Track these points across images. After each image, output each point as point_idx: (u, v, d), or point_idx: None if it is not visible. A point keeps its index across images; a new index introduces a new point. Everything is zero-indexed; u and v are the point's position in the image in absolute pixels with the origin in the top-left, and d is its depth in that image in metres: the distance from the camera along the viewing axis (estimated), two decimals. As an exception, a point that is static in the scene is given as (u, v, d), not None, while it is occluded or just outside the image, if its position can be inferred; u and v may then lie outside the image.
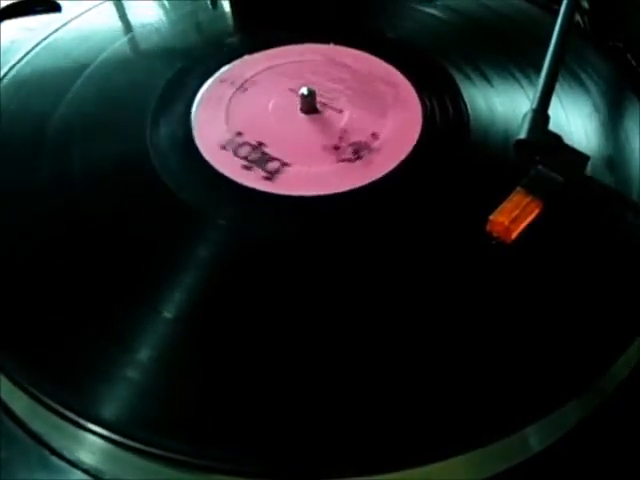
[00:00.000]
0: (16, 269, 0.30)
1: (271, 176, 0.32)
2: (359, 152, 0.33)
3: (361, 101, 0.36)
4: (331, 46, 0.39)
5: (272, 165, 0.33)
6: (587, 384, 0.26)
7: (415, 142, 0.34)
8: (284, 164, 0.33)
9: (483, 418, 0.25)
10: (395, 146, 0.34)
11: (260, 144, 0.34)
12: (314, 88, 0.36)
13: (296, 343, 0.27)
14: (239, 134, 0.35)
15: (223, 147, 0.34)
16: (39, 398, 0.26)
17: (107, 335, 0.27)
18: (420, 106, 0.36)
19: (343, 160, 0.33)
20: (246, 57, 0.39)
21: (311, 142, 0.34)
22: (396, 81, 0.37)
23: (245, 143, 0.34)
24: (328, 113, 0.36)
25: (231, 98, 0.37)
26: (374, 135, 0.34)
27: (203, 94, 0.37)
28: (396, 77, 0.38)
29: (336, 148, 0.34)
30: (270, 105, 0.36)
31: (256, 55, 0.39)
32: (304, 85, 0.36)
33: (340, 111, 0.36)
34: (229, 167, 0.33)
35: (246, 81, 0.38)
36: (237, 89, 0.37)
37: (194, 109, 0.36)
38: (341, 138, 0.34)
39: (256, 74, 0.38)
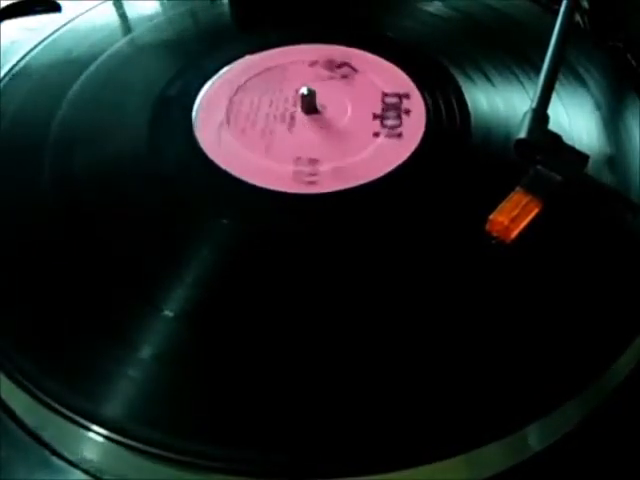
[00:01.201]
0: (16, 269, 0.30)
1: None
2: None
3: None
4: (334, 47, 0.40)
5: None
6: (587, 384, 0.26)
7: (417, 141, 0.34)
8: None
9: (483, 418, 0.25)
10: (393, 150, 0.34)
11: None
12: (314, 88, 0.36)
13: (297, 343, 0.27)
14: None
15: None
16: (39, 398, 0.26)
17: (107, 334, 0.27)
18: (421, 106, 0.36)
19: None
20: (247, 57, 0.39)
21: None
22: (401, 83, 0.37)
23: None
24: (328, 114, 0.36)
25: (232, 97, 0.37)
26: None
27: (204, 94, 0.37)
28: (400, 78, 0.38)
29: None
30: (270, 103, 0.36)
31: (257, 55, 0.39)
32: (305, 85, 0.36)
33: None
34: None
35: (247, 81, 0.38)
36: (238, 88, 0.37)
37: (195, 109, 0.36)
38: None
39: (257, 74, 0.38)
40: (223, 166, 0.33)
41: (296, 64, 0.39)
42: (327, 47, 0.40)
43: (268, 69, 0.38)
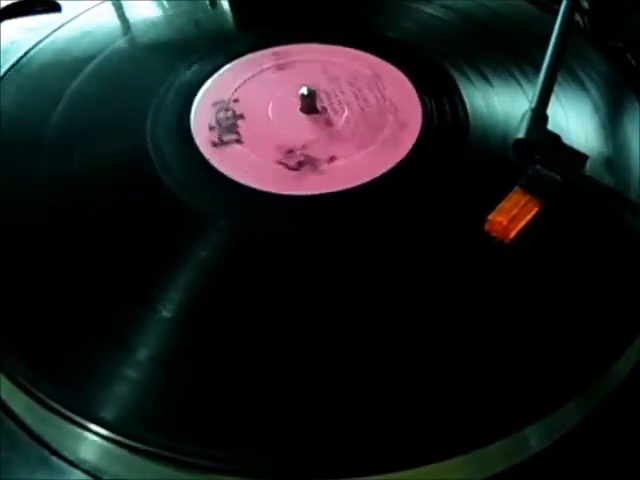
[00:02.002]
0: (16, 269, 0.30)
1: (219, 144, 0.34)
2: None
3: (358, 124, 0.36)
4: (334, 47, 0.40)
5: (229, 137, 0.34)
6: (587, 384, 0.26)
7: (415, 141, 0.34)
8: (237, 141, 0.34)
9: (483, 418, 0.25)
10: (391, 150, 0.34)
11: (240, 116, 0.35)
12: (315, 89, 0.36)
13: (296, 343, 0.27)
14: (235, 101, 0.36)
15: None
16: (39, 398, 0.26)
17: (107, 335, 0.27)
18: (420, 105, 0.36)
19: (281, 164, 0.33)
20: (247, 56, 0.39)
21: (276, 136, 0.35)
22: (399, 83, 0.37)
23: (230, 109, 0.36)
24: (321, 120, 0.36)
25: (232, 97, 0.37)
26: (332, 159, 0.34)
27: (203, 93, 0.37)
28: (399, 79, 0.37)
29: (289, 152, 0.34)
30: (271, 103, 0.36)
31: (258, 54, 0.39)
32: (304, 85, 0.36)
33: (332, 124, 0.36)
34: (201, 123, 0.35)
35: (246, 80, 0.38)
36: (238, 88, 0.37)
37: (194, 108, 0.36)
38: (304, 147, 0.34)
39: (257, 73, 0.38)
40: (221, 167, 0.33)
41: (296, 64, 0.39)
42: (327, 47, 0.40)
43: (268, 68, 0.38)
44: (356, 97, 0.37)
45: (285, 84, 0.37)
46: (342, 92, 0.37)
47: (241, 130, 0.35)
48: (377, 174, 0.32)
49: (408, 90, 0.37)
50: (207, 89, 0.37)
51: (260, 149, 0.34)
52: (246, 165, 0.33)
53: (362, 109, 0.36)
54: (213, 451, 0.24)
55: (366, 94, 0.37)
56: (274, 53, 0.39)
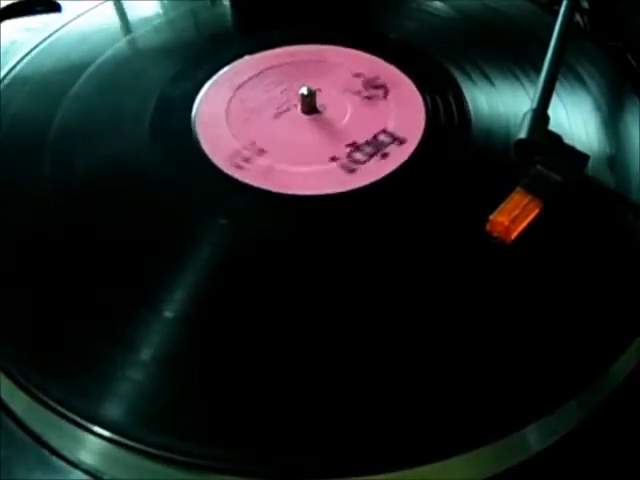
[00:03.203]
0: (16, 269, 0.30)
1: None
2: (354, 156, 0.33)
3: (362, 105, 0.36)
4: (334, 47, 0.40)
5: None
6: (587, 384, 0.26)
7: (417, 141, 0.34)
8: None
9: (483, 418, 0.25)
10: (393, 150, 0.34)
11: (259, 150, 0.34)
12: (314, 88, 0.36)
13: (296, 343, 0.27)
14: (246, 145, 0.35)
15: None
16: (39, 398, 0.26)
17: (107, 335, 0.27)
18: (422, 105, 0.36)
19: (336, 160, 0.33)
20: (247, 57, 0.39)
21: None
22: (400, 83, 0.37)
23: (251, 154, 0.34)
24: (328, 114, 0.36)
25: (232, 97, 0.37)
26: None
27: (203, 94, 0.37)
28: (400, 79, 0.37)
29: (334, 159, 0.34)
30: (270, 103, 0.36)
31: (257, 55, 0.39)
32: (304, 85, 0.36)
33: (339, 119, 0.36)
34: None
35: (246, 81, 0.38)
36: (238, 88, 0.37)
37: (194, 109, 0.36)
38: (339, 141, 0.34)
39: (257, 74, 0.38)
40: (223, 167, 0.33)
41: (296, 64, 0.39)
42: (327, 47, 0.40)
43: (268, 69, 0.39)
44: (359, 97, 0.37)
45: (285, 84, 0.37)
46: (345, 95, 0.37)
47: (266, 148, 0.34)
48: (379, 176, 0.32)
49: (411, 92, 0.37)
50: (207, 89, 0.37)
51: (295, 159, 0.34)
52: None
53: (362, 114, 0.36)
54: (213, 451, 0.24)
55: (365, 94, 0.37)
56: (273, 53, 0.39)
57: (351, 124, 0.35)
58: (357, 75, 0.38)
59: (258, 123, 0.35)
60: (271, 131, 0.35)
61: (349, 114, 0.36)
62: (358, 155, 0.33)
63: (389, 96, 0.37)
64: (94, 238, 0.30)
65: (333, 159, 0.33)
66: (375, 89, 0.37)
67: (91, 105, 0.37)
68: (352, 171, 0.33)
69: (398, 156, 0.33)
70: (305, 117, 0.36)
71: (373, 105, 0.36)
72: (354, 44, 0.40)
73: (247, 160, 0.33)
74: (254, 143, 0.34)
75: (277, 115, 0.36)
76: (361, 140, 0.34)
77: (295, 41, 0.40)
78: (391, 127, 0.35)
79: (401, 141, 0.34)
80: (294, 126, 0.35)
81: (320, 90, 0.36)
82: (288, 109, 0.36)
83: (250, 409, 0.25)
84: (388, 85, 0.37)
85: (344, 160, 0.33)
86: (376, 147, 0.34)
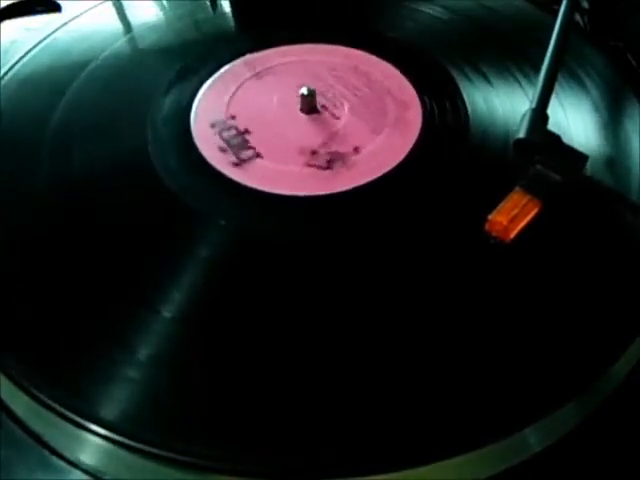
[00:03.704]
0: (16, 269, 0.30)
1: (240, 162, 0.33)
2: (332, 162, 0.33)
3: (363, 112, 0.36)
4: (334, 47, 0.39)
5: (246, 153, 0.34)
6: (587, 384, 0.26)
7: (414, 141, 0.34)
8: (257, 155, 0.34)
9: (483, 418, 0.25)
10: (391, 149, 0.34)
11: (246, 131, 0.35)
12: (314, 88, 0.36)
13: (296, 343, 0.27)
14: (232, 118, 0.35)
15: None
16: (39, 398, 0.26)
17: (107, 335, 0.27)
18: (420, 105, 0.36)
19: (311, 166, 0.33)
20: (247, 56, 0.39)
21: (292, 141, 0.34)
22: (405, 98, 0.37)
23: (232, 127, 0.35)
24: (326, 116, 0.36)
25: (232, 97, 0.37)
26: (356, 149, 0.34)
27: (203, 94, 0.37)
28: (408, 93, 0.37)
29: (313, 153, 0.34)
30: (270, 103, 0.36)
31: (257, 55, 0.39)
32: (305, 85, 0.36)
33: (338, 117, 0.36)
34: (209, 146, 0.34)
35: (246, 81, 0.38)
36: (238, 88, 0.37)
37: (194, 109, 0.36)
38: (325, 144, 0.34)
39: (256, 74, 0.38)
40: (222, 168, 0.33)
41: (296, 64, 0.39)
42: (327, 47, 0.40)
43: (268, 69, 0.39)
44: (354, 94, 0.37)
45: (285, 83, 0.37)
46: (337, 89, 0.37)
47: (254, 144, 0.34)
48: (377, 175, 0.32)
49: (408, 90, 0.37)
50: (207, 89, 0.37)
51: (283, 157, 0.34)
52: (277, 176, 0.33)
53: (360, 120, 0.36)
54: (212, 451, 0.24)
55: (365, 92, 0.37)
56: (273, 53, 0.39)
57: (349, 124, 0.35)
58: (356, 75, 0.38)
59: (258, 123, 0.35)
60: (271, 131, 0.35)
61: (348, 114, 0.36)
62: (355, 155, 0.33)
63: (388, 96, 0.37)
64: (93, 239, 0.30)
65: (332, 159, 0.33)
66: (374, 89, 0.37)
67: (90, 105, 0.37)
68: (349, 170, 0.33)
69: (395, 156, 0.33)
70: (305, 117, 0.36)
71: (371, 105, 0.36)
72: (354, 44, 0.40)
73: (246, 160, 0.33)
74: (274, 153, 0.34)
75: (277, 115, 0.36)
76: (359, 140, 0.34)
77: (295, 41, 0.40)
78: (389, 127, 0.35)
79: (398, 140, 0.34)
80: (293, 126, 0.35)
81: (320, 90, 0.36)
82: (288, 109, 0.36)
83: (250, 409, 0.25)
84: (388, 85, 0.37)
85: (342, 159, 0.33)
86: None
